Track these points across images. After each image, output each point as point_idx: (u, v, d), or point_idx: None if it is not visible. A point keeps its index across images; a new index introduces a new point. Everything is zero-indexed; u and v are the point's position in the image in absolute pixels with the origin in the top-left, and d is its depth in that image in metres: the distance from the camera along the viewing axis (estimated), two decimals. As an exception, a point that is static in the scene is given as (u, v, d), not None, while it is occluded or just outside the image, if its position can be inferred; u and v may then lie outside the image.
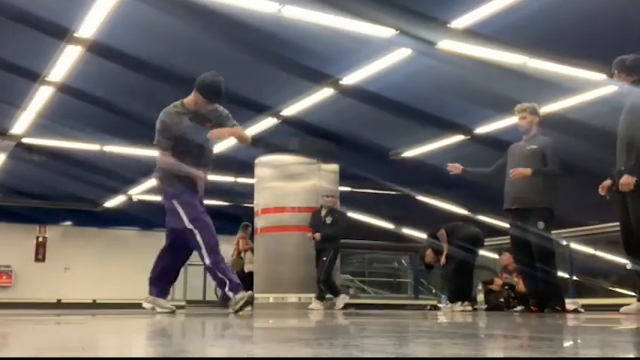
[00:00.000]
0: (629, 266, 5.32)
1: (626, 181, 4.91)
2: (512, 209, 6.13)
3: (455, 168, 6.61)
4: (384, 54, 7.79)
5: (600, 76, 7.77)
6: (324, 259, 8.98)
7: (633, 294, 5.52)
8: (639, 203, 4.94)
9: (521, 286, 8.97)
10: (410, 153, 11.82)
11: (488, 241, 10.30)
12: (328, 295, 9.22)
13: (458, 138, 10.89)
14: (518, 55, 7.54)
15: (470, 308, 7.82)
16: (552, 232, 6.16)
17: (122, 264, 17.35)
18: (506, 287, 9.30)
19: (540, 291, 5.97)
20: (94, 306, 15.89)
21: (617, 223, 5.26)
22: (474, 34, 7.13)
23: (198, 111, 4.95)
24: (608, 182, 5.47)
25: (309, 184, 10.91)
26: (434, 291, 14.97)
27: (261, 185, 11.22)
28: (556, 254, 6.17)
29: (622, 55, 5.23)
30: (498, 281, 9.57)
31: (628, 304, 5.25)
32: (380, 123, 10.51)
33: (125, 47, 7.94)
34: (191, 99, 4.94)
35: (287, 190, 10.37)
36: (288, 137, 11.07)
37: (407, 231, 16.80)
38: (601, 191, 5.47)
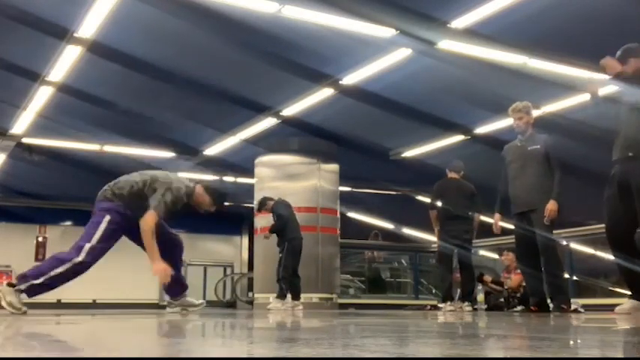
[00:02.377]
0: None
1: None
2: (521, 212, 6.07)
3: (498, 226, 6.48)
4: (384, 54, 7.79)
5: (600, 76, 7.76)
6: (280, 255, 8.88)
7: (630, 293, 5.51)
8: None
9: (512, 283, 9.00)
10: (410, 153, 11.82)
11: (488, 242, 10.29)
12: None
13: (458, 138, 10.89)
14: (518, 55, 7.54)
15: (469, 308, 7.81)
16: (553, 232, 6.14)
17: (122, 264, 17.30)
18: (506, 287, 9.34)
19: (543, 290, 5.95)
20: (94, 306, 15.89)
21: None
22: (474, 34, 7.13)
23: (195, 205, 5.55)
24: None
25: (309, 184, 10.91)
26: (434, 291, 14.97)
27: (261, 185, 11.21)
28: (560, 252, 6.17)
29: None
30: (488, 278, 9.63)
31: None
32: (380, 123, 10.51)
33: (125, 47, 7.94)
34: (200, 194, 5.48)
35: (287, 190, 10.35)
36: (288, 137, 11.08)
37: (407, 231, 16.80)
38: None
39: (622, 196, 4.97)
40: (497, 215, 6.45)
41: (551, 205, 5.82)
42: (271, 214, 9.06)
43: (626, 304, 5.10)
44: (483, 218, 8.00)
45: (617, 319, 4.44)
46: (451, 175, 8.23)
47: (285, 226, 8.87)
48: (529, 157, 6.07)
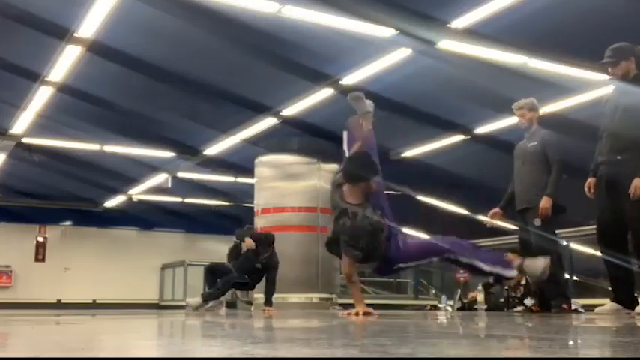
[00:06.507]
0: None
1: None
2: (520, 210, 6.00)
3: (494, 217, 6.27)
4: (384, 54, 7.79)
5: (600, 76, 7.77)
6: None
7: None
8: None
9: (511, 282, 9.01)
10: (410, 153, 11.82)
11: (488, 242, 10.28)
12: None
13: (458, 138, 10.88)
14: (518, 55, 7.54)
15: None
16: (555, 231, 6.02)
17: (122, 264, 17.35)
18: (506, 287, 9.33)
19: (543, 290, 5.93)
20: (94, 306, 15.90)
21: None
22: (474, 34, 7.13)
23: None
24: (592, 180, 5.31)
25: (309, 184, 10.90)
26: (434, 291, 14.97)
27: (261, 185, 11.21)
28: (559, 252, 5.97)
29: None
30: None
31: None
32: (380, 123, 10.48)
33: (125, 47, 7.95)
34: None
35: (287, 190, 10.35)
36: (288, 137, 11.08)
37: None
38: (588, 193, 5.36)
39: (610, 196, 5.02)
40: (495, 209, 6.29)
41: (544, 203, 5.66)
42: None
43: (607, 305, 5.13)
44: (485, 219, 7.88)
45: (596, 319, 4.47)
46: None
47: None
48: (528, 154, 6.00)
